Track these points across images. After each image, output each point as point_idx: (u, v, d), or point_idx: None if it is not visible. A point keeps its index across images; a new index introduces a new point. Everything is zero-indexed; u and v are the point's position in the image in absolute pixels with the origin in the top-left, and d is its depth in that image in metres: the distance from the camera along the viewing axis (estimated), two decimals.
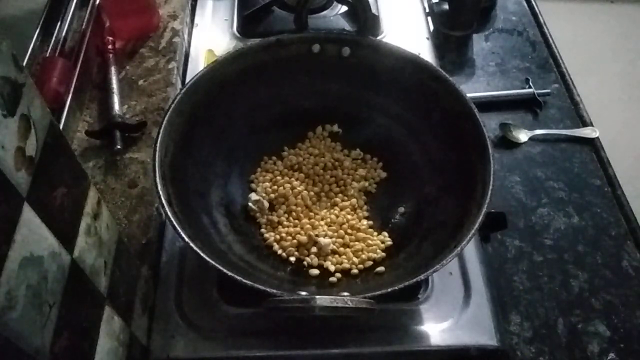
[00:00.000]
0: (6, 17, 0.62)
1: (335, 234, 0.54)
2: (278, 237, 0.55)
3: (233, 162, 0.60)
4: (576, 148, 0.71)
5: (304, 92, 0.63)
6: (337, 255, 0.53)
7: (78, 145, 0.64)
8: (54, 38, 0.67)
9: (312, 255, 0.53)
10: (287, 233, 0.55)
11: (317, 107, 0.64)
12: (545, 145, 0.72)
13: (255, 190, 0.58)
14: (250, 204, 0.56)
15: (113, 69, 0.71)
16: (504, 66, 0.82)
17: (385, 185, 0.60)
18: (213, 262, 0.45)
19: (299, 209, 0.57)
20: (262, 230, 0.55)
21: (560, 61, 0.82)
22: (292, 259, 0.53)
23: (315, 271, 0.52)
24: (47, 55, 0.65)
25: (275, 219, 0.56)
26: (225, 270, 0.45)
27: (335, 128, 0.64)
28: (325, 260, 0.53)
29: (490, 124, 0.73)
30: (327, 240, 0.53)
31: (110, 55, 0.72)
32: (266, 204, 0.57)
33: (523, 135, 0.72)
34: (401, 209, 0.57)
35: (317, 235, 0.53)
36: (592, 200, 0.67)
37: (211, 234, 0.52)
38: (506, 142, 0.72)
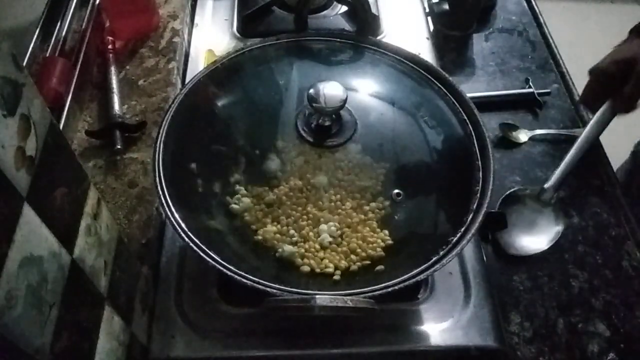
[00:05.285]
0: (6, 17, 0.62)
1: (337, 232, 0.54)
2: (278, 236, 0.55)
3: (233, 162, 0.60)
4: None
5: (304, 92, 0.63)
6: (336, 254, 0.53)
7: (78, 145, 0.64)
8: (54, 38, 0.67)
9: (311, 254, 0.53)
10: (285, 232, 0.55)
11: None
12: (545, 145, 0.72)
13: (254, 191, 0.58)
14: (243, 204, 0.56)
15: (113, 69, 0.71)
16: (504, 66, 0.82)
17: (385, 185, 0.60)
18: (213, 262, 0.45)
19: (299, 208, 0.57)
20: (251, 225, 0.55)
21: (560, 61, 0.82)
22: (290, 249, 0.52)
23: (306, 268, 0.52)
24: (47, 55, 0.65)
25: (270, 221, 0.56)
26: (225, 270, 0.45)
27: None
28: (322, 260, 0.53)
29: (490, 124, 0.73)
30: (326, 235, 0.53)
31: (110, 55, 0.72)
32: (263, 205, 0.57)
33: (523, 135, 0.72)
34: (401, 209, 0.57)
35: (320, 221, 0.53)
36: (592, 200, 0.67)
37: (211, 234, 0.52)
38: (506, 142, 0.72)
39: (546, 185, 0.65)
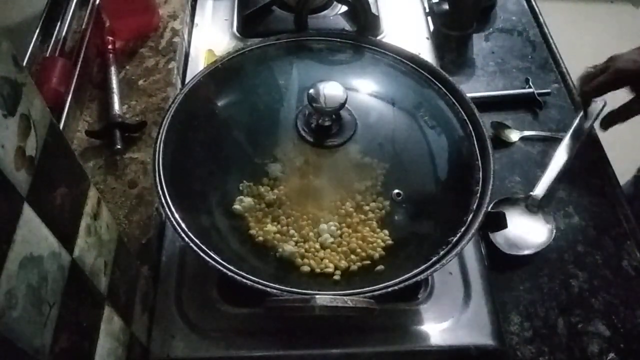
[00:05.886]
0: (6, 17, 0.62)
1: (337, 232, 0.54)
2: (278, 236, 0.55)
3: (233, 162, 0.60)
4: (576, 148, 0.71)
5: (304, 92, 0.63)
6: (336, 254, 0.53)
7: (78, 145, 0.64)
8: (54, 38, 0.67)
9: (311, 254, 0.53)
10: (285, 232, 0.55)
11: None
12: (545, 145, 0.72)
13: (254, 191, 0.58)
14: (244, 204, 0.56)
15: (113, 69, 0.71)
16: (504, 66, 0.82)
17: (385, 185, 0.60)
18: (213, 262, 0.45)
19: (299, 208, 0.57)
20: (251, 224, 0.55)
21: (560, 61, 0.82)
22: (290, 249, 0.52)
23: (306, 268, 0.52)
24: (47, 55, 0.65)
25: (270, 221, 0.56)
26: (225, 270, 0.45)
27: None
28: (322, 260, 0.53)
29: (489, 123, 0.73)
30: (326, 235, 0.53)
31: (110, 55, 0.72)
32: (263, 205, 0.57)
33: (514, 135, 0.72)
34: (401, 209, 0.57)
35: (320, 221, 0.53)
36: (592, 200, 0.67)
37: (211, 234, 0.52)
38: (497, 141, 0.72)
39: (533, 193, 0.65)
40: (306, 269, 0.51)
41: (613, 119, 0.70)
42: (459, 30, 0.86)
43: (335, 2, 0.83)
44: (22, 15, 0.66)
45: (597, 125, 0.72)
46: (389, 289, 0.45)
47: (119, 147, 0.62)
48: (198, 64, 0.77)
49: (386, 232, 0.55)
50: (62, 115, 0.61)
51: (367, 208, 0.56)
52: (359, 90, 0.61)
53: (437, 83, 0.60)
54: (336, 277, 0.51)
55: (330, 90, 0.53)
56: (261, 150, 0.61)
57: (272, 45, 0.63)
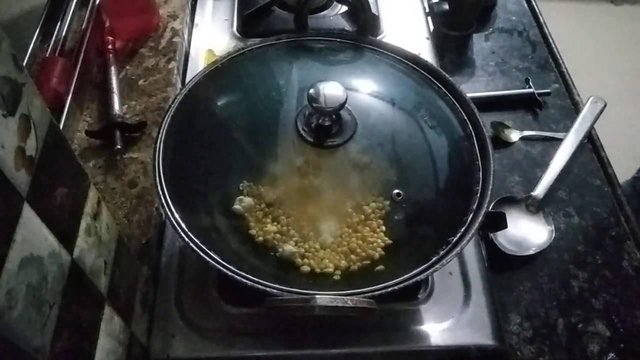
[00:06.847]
0: (6, 17, 0.62)
1: (337, 232, 0.54)
2: (278, 236, 0.55)
3: (233, 162, 0.60)
4: (576, 148, 0.71)
5: (304, 92, 0.63)
6: (336, 254, 0.53)
7: (78, 145, 0.64)
8: (54, 38, 0.67)
9: (311, 254, 0.53)
10: (285, 232, 0.55)
11: None
12: (545, 145, 0.72)
13: (254, 191, 0.58)
14: (244, 204, 0.56)
15: (113, 69, 0.71)
16: (504, 66, 0.82)
17: (385, 185, 0.60)
18: (212, 262, 0.45)
19: (299, 208, 0.57)
20: (251, 224, 0.55)
21: (560, 61, 0.82)
22: (290, 249, 0.52)
23: (306, 268, 0.52)
24: (47, 55, 0.65)
25: (270, 221, 0.56)
26: (225, 270, 0.45)
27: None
28: (322, 260, 0.53)
29: (489, 124, 0.73)
30: (326, 235, 0.53)
31: (110, 55, 0.72)
32: (263, 205, 0.57)
33: (514, 135, 0.72)
34: (401, 209, 0.57)
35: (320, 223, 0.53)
36: (592, 200, 0.67)
37: (211, 234, 0.52)
38: (498, 141, 0.72)
39: (533, 193, 0.65)
40: (306, 269, 0.51)
41: None
42: (459, 30, 0.86)
43: (335, 2, 0.83)
44: (22, 15, 0.66)
45: (597, 125, 0.72)
46: (389, 289, 0.45)
47: (119, 147, 0.62)
48: (198, 64, 0.77)
49: (386, 232, 0.55)
50: (62, 115, 0.61)
51: (367, 208, 0.56)
52: (359, 90, 0.61)
53: (437, 83, 0.60)
54: (336, 277, 0.51)
55: (330, 90, 0.53)
56: (261, 150, 0.61)
57: (272, 45, 0.63)
